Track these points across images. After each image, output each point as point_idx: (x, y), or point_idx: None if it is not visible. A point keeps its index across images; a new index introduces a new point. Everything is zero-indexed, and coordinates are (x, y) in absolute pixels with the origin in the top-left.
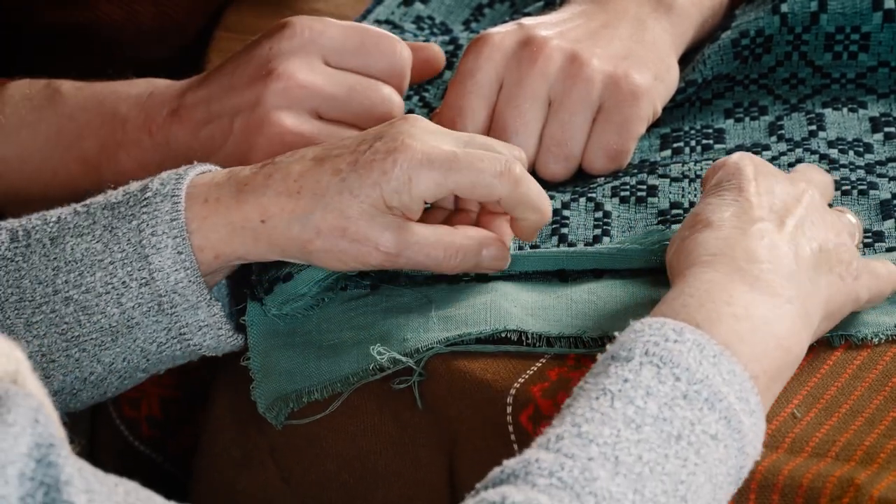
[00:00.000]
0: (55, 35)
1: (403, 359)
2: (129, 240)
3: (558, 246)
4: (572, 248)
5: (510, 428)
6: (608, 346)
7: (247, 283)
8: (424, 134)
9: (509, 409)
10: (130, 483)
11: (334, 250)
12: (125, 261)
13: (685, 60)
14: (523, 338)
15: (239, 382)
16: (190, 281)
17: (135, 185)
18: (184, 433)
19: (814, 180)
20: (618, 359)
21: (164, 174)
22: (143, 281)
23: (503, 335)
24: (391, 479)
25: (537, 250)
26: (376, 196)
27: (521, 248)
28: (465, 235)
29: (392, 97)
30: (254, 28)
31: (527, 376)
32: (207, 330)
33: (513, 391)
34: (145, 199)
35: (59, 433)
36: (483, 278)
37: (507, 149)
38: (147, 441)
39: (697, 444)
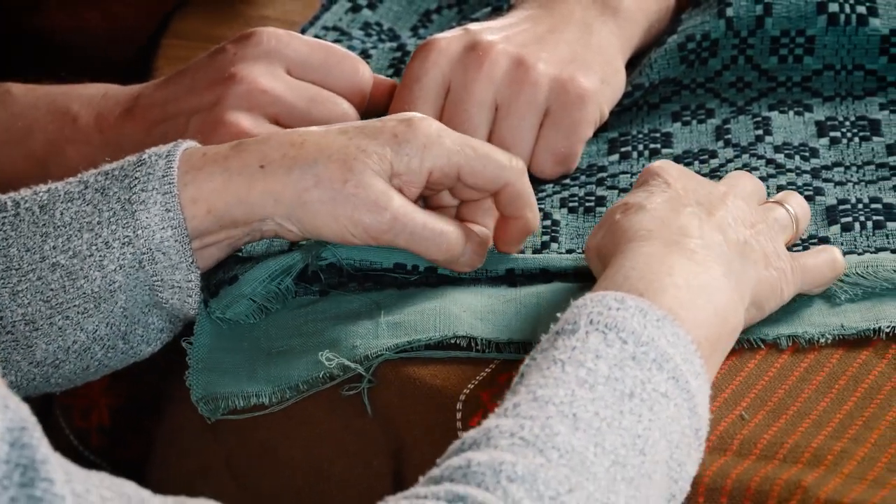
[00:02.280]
0: (4, 41)
1: (353, 365)
2: (118, 198)
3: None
4: (521, 255)
5: (460, 434)
6: (552, 325)
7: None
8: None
9: (459, 415)
10: (99, 473)
11: (330, 202)
12: (112, 219)
13: (632, 65)
14: (473, 344)
15: None
16: (175, 240)
17: (133, 156)
18: (134, 442)
19: (744, 187)
20: (563, 332)
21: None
22: (126, 240)
23: (453, 341)
24: (345, 486)
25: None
26: (384, 156)
27: None
28: (454, 224)
29: (350, 113)
30: (202, 35)
31: (476, 382)
32: (178, 291)
33: (462, 397)
34: (141, 160)
35: (30, 418)
36: (432, 283)
37: (508, 156)
38: (97, 451)
39: (650, 401)
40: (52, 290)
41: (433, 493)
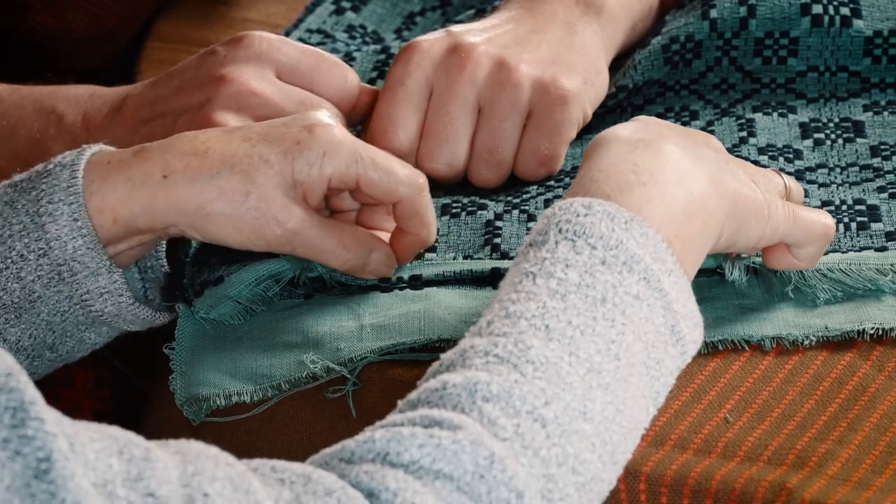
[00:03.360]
0: None
1: (337, 367)
2: (27, 211)
3: (491, 256)
4: (506, 261)
5: None
6: (525, 237)
7: (180, 287)
8: (339, 125)
9: None
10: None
11: (233, 215)
12: (23, 233)
13: (616, 66)
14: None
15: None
16: (88, 248)
17: (41, 164)
18: None
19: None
20: (535, 244)
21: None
22: (41, 252)
23: (437, 344)
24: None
25: (470, 261)
26: (286, 166)
27: (454, 258)
28: (357, 231)
29: (337, 118)
30: (185, 38)
31: None
32: (108, 296)
33: None
34: (46, 171)
35: (14, 365)
36: (416, 286)
37: (408, 169)
38: None
39: (622, 304)
40: None
41: (409, 420)
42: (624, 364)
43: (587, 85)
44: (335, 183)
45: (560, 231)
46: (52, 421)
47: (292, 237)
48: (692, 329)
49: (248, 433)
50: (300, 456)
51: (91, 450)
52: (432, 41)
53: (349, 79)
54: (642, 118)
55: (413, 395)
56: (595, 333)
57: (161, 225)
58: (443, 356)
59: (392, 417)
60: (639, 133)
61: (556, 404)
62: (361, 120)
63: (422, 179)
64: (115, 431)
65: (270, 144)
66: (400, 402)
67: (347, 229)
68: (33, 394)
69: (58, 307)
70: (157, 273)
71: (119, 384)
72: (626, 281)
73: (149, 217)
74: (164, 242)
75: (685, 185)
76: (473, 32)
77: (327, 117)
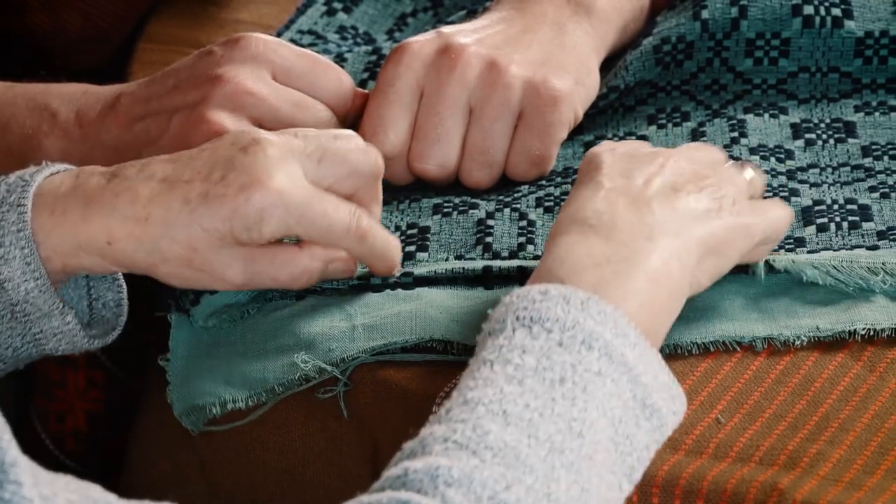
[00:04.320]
0: None
1: (329, 368)
2: None
3: (483, 255)
4: (498, 260)
5: None
6: (483, 325)
7: (172, 296)
8: (278, 165)
9: None
10: (66, 476)
11: (180, 277)
12: None
13: (607, 67)
14: (448, 347)
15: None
16: (41, 291)
17: None
18: (110, 447)
19: (692, 150)
20: (493, 332)
21: (12, 178)
22: None
23: (429, 344)
24: (319, 490)
25: (462, 260)
26: (225, 230)
27: (446, 259)
28: (311, 256)
29: (331, 122)
30: (177, 39)
31: (452, 385)
32: (62, 336)
33: (438, 400)
34: None
35: (0, 419)
36: (408, 286)
37: (365, 154)
38: (73, 455)
39: (582, 382)
40: None
41: (376, 500)
42: (588, 441)
43: (578, 85)
44: (278, 237)
45: (517, 318)
46: (30, 485)
47: (242, 287)
48: (669, 401)
49: (241, 435)
50: (293, 457)
51: None
52: (423, 42)
53: (344, 82)
54: (603, 180)
55: (377, 484)
56: (555, 414)
57: (112, 272)
58: (404, 445)
59: (358, 498)
60: (592, 216)
61: (517, 488)
62: (355, 122)
63: (363, 225)
64: (96, 493)
65: (209, 209)
66: (363, 496)
67: (298, 258)
68: (15, 455)
69: (10, 342)
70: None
71: (112, 386)
72: (585, 359)
73: (99, 269)
74: None
75: (643, 259)
76: (464, 33)
77: (270, 148)
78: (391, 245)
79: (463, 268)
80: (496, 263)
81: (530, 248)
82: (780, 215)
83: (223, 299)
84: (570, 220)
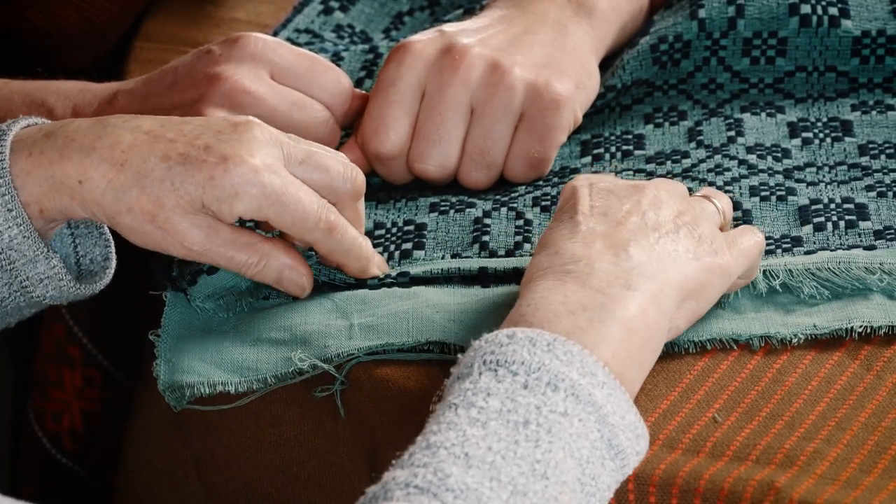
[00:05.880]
0: None
1: (325, 366)
2: None
3: (479, 254)
4: (494, 259)
5: None
6: (452, 370)
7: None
8: (264, 148)
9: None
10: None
11: (140, 231)
12: None
13: (604, 66)
14: (445, 348)
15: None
16: (24, 237)
17: None
18: (106, 446)
19: (666, 185)
20: (460, 377)
21: None
22: None
23: (425, 347)
24: (314, 488)
25: (458, 259)
26: (196, 196)
27: (443, 258)
28: (273, 247)
29: (329, 122)
30: (173, 38)
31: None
32: (49, 282)
33: (435, 398)
34: None
35: None
36: (404, 284)
37: (344, 166)
38: (69, 454)
39: (547, 423)
40: None
41: None
42: (553, 482)
43: (579, 89)
44: (246, 217)
45: (484, 363)
46: None
47: (199, 257)
48: (633, 441)
49: (235, 433)
50: (290, 455)
51: None
52: (425, 42)
53: (342, 83)
54: (580, 220)
55: None
56: (518, 456)
57: (83, 217)
58: (368, 489)
59: None
60: (569, 261)
61: None
62: (353, 123)
63: (332, 223)
64: None
65: (186, 171)
66: None
67: (260, 243)
68: None
69: None
70: (89, 228)
71: (109, 385)
72: (550, 400)
73: (69, 213)
74: None
75: (619, 308)
76: (466, 33)
77: (260, 131)
78: (360, 244)
79: (459, 268)
80: (492, 264)
81: (527, 246)
82: (751, 244)
83: (223, 281)
84: (546, 265)
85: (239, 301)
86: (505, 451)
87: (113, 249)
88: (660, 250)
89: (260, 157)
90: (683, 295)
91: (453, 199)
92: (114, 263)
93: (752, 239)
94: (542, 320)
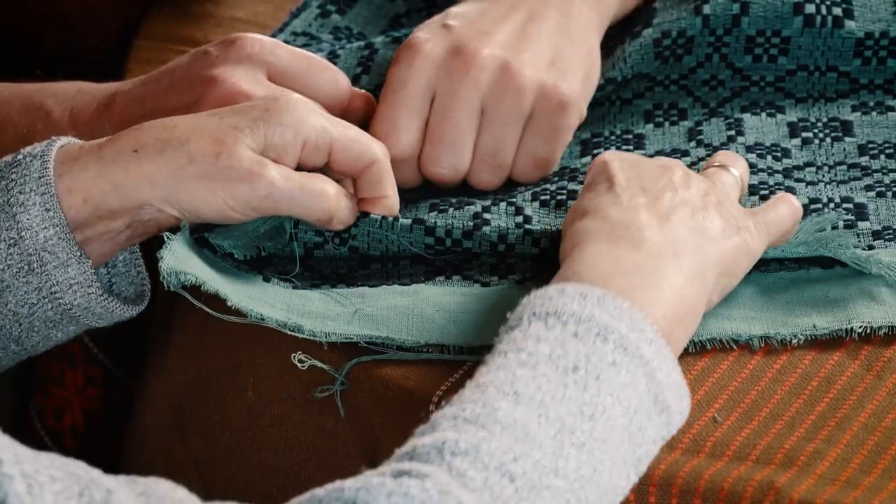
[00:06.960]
0: None
1: (325, 367)
2: None
3: (479, 245)
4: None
5: None
6: (502, 326)
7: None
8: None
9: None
10: (50, 454)
11: (205, 177)
12: None
13: (604, 54)
14: (445, 349)
15: (163, 395)
16: (59, 238)
17: (9, 155)
18: (107, 445)
19: (689, 171)
20: (509, 328)
21: (38, 144)
22: (12, 241)
23: (425, 349)
24: (314, 488)
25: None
26: (257, 130)
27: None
28: (327, 180)
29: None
30: (173, 37)
31: (449, 383)
32: (78, 288)
33: (435, 398)
34: (16, 161)
35: None
36: (405, 282)
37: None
38: (71, 452)
39: (595, 371)
40: None
41: (380, 472)
42: (601, 425)
43: (585, 83)
44: (309, 149)
45: (534, 314)
46: (10, 462)
47: (270, 190)
48: (678, 400)
49: (235, 433)
50: (290, 455)
51: (49, 491)
52: (433, 42)
53: (340, 83)
54: (621, 192)
55: (386, 462)
56: (566, 397)
57: (134, 202)
58: (416, 430)
59: (365, 474)
60: (619, 227)
61: (524, 461)
62: (352, 123)
63: (385, 148)
64: (79, 469)
65: (239, 115)
66: (369, 472)
67: (320, 176)
68: (2, 442)
69: (26, 298)
70: (127, 267)
71: (110, 384)
72: (599, 350)
73: (121, 193)
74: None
75: (671, 274)
76: (472, 27)
77: (297, 96)
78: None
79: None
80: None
81: (527, 239)
82: (779, 217)
83: (247, 225)
84: (594, 229)
85: (258, 244)
86: (554, 391)
87: (148, 289)
88: (695, 226)
89: (308, 103)
90: (720, 270)
91: (453, 200)
92: (146, 301)
93: (780, 211)
94: (597, 279)
